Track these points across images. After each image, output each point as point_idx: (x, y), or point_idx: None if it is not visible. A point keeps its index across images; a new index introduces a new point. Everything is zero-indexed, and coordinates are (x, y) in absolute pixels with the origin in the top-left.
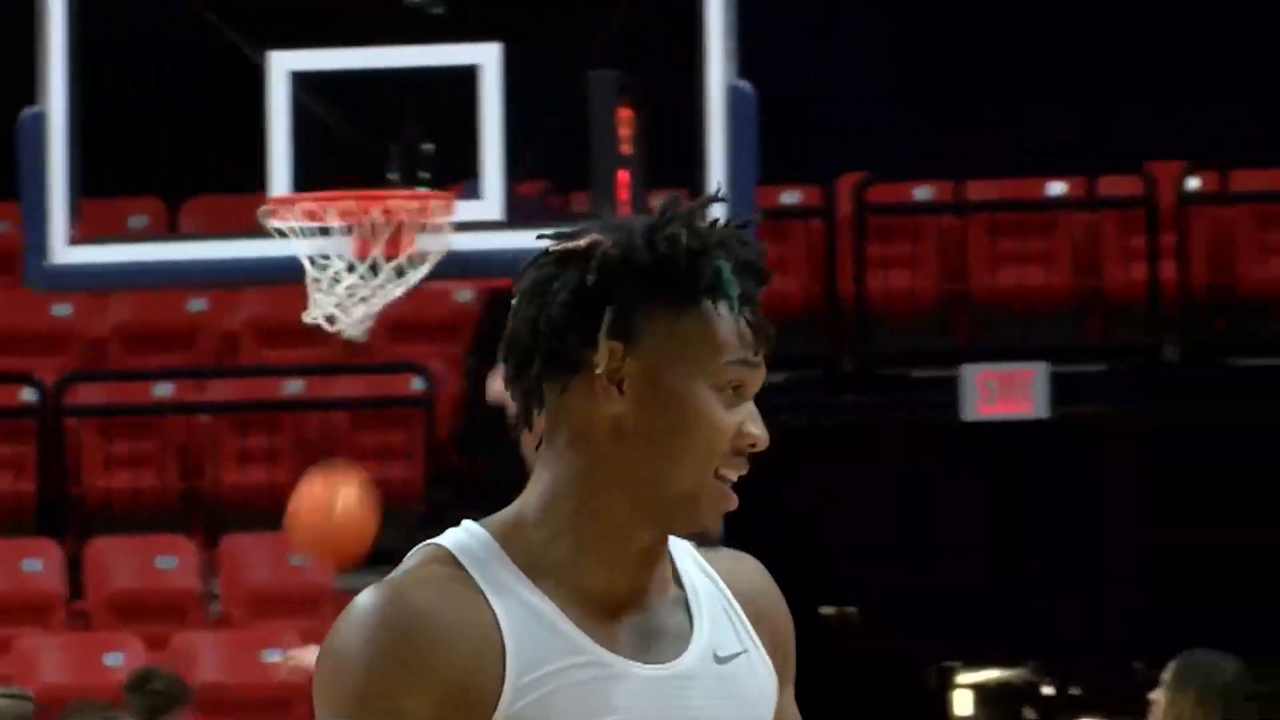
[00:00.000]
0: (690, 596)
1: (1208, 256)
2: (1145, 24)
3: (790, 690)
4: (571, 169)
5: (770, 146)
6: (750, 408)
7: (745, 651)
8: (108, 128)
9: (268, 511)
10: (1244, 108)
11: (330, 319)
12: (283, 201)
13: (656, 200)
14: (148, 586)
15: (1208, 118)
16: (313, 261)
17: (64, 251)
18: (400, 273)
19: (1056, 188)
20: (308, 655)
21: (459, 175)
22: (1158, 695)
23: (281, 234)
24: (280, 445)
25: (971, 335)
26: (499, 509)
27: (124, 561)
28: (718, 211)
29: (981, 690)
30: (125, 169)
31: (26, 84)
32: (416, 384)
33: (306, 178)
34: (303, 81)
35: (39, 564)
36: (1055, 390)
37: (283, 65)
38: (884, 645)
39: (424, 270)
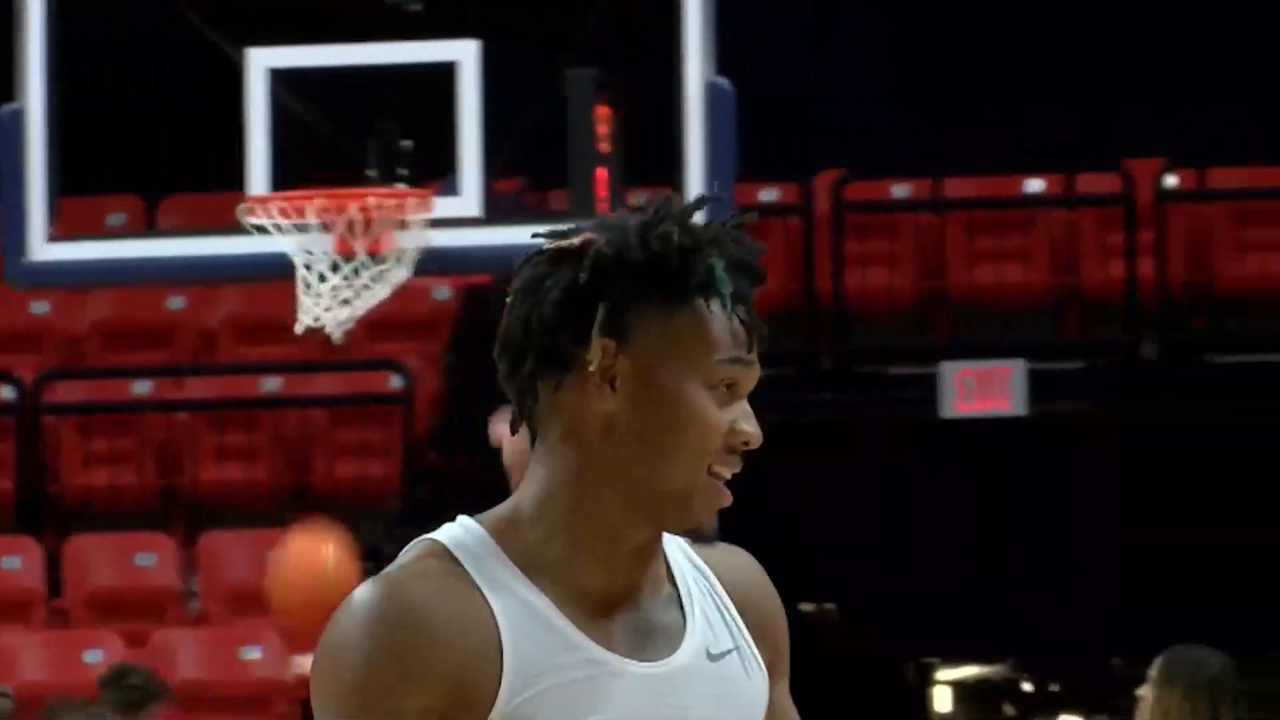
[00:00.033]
0: (683, 593)
1: (1185, 254)
2: (1123, 23)
3: (784, 684)
4: (549, 166)
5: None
6: (744, 406)
7: (737, 648)
8: (86, 126)
9: (246, 509)
10: (1221, 105)
11: (317, 320)
12: (261, 199)
13: (636, 198)
14: (127, 584)
15: (1185, 115)
16: (305, 266)
17: (43, 249)
18: (385, 272)
19: (1034, 185)
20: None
21: (437, 172)
22: (1145, 691)
23: (261, 230)
24: (259, 443)
25: (950, 333)
26: (478, 506)
27: (103, 559)
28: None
29: (961, 687)
30: (103, 167)
31: (4, 82)
32: (395, 381)
33: (285, 175)
34: (281, 79)
35: (18, 562)
36: (1033, 388)
37: (260, 62)
38: (863, 642)
39: (406, 268)
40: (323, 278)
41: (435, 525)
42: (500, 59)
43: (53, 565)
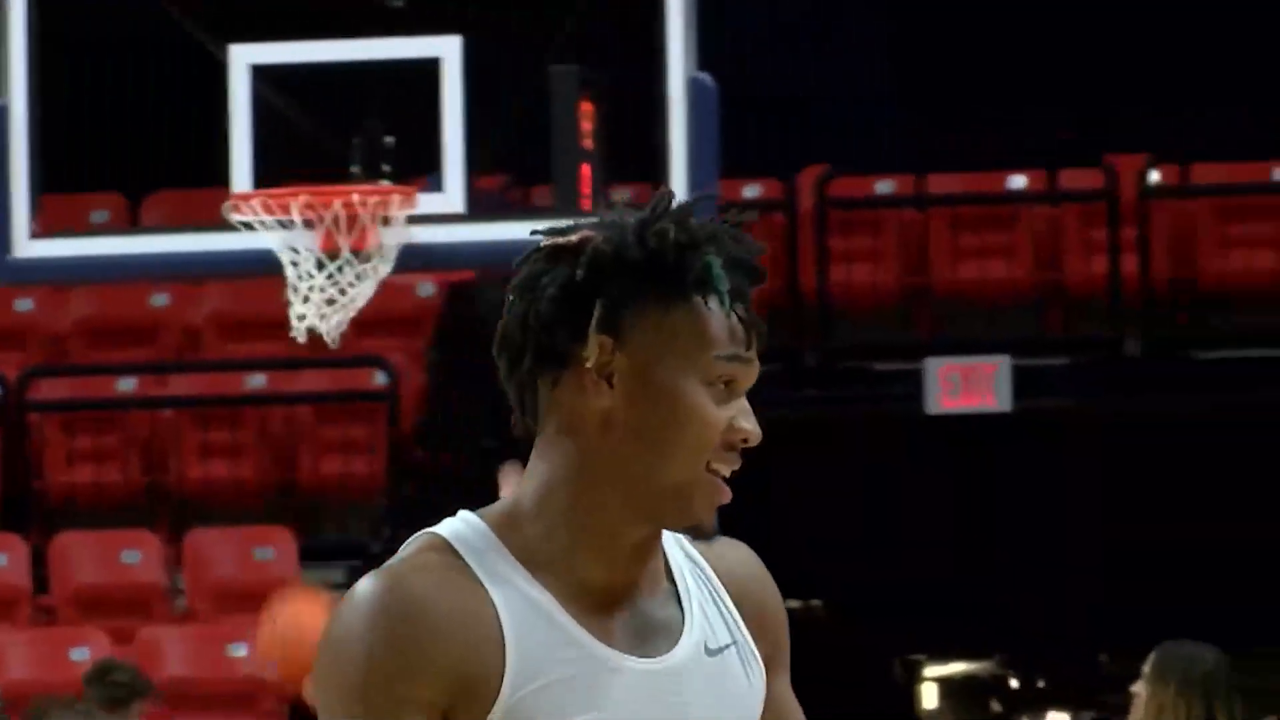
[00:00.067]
0: (681, 589)
1: (1169, 250)
2: (1107, 21)
3: (785, 677)
4: (533, 163)
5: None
6: (742, 403)
7: (735, 643)
8: (69, 122)
9: (232, 506)
10: (1205, 102)
11: (304, 320)
12: (244, 196)
13: (619, 194)
14: (113, 581)
15: (1169, 111)
16: (292, 264)
17: (26, 246)
18: (369, 269)
19: (1018, 181)
20: None
21: (420, 169)
22: (1139, 688)
23: (246, 227)
24: (244, 440)
25: (933, 329)
26: (463, 502)
27: (89, 556)
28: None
29: (947, 684)
30: (87, 163)
31: None
32: (379, 378)
33: (268, 171)
34: (263, 75)
35: (3, 559)
36: (1018, 384)
37: (243, 58)
38: (849, 639)
39: (388, 265)
40: (309, 275)
41: (421, 522)
42: (483, 55)
43: (38, 563)
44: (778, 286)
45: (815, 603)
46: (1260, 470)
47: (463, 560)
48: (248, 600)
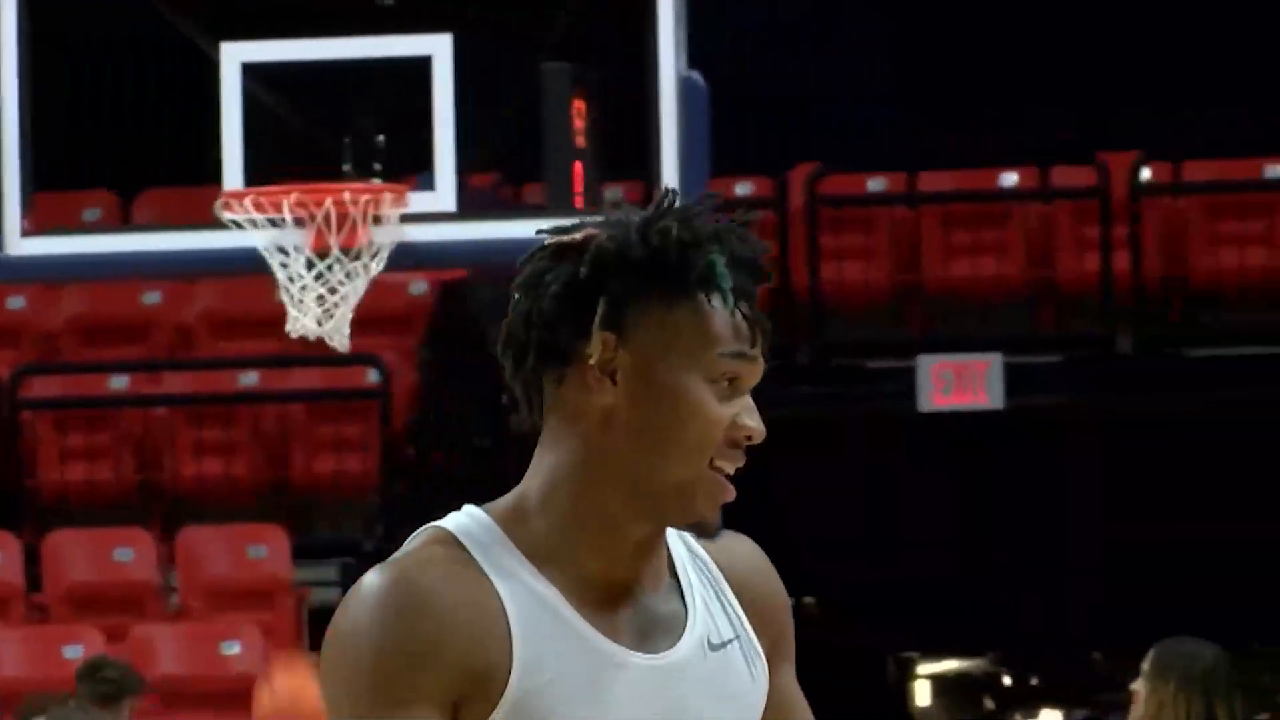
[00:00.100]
0: (684, 583)
1: (1161, 247)
2: (1099, 18)
3: (789, 670)
4: (524, 160)
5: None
6: (746, 400)
7: (737, 637)
8: (61, 120)
9: (225, 504)
10: (1196, 99)
11: (301, 320)
12: (236, 194)
13: (611, 192)
14: (106, 579)
15: (1160, 109)
16: (281, 264)
17: (18, 244)
18: (361, 267)
19: (1009, 179)
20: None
21: (412, 167)
22: (1138, 685)
23: (238, 225)
24: (237, 437)
25: (925, 326)
26: (455, 500)
27: (81, 554)
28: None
29: (940, 681)
30: (78, 161)
31: None
32: (372, 376)
33: (259, 169)
34: (255, 73)
35: None
36: (1010, 381)
37: (234, 57)
38: (845, 638)
39: (379, 263)
40: (300, 275)
41: (413, 520)
42: (475, 53)
43: (31, 561)
44: (769, 284)
45: (808, 600)
46: (1253, 468)
47: (468, 554)
48: (241, 598)
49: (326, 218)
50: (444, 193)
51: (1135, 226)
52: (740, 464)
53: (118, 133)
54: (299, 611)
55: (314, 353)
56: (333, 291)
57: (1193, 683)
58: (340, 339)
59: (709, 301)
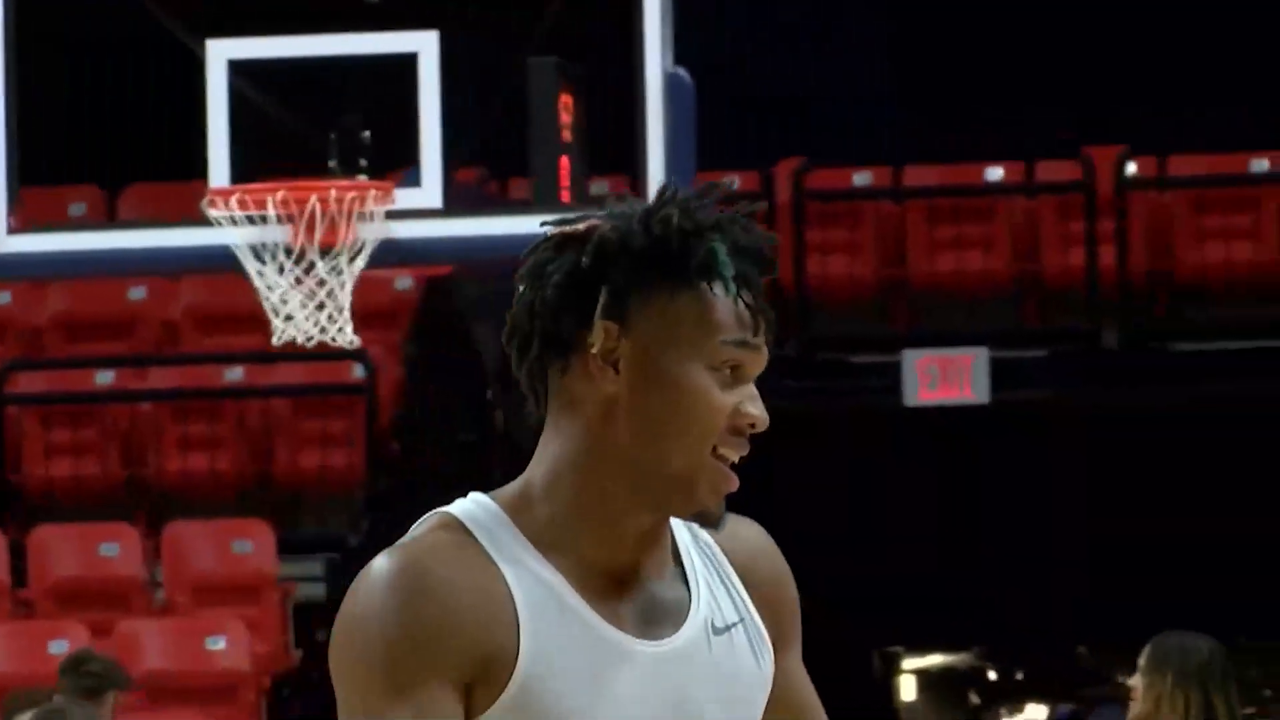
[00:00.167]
0: (687, 568)
1: (1146, 242)
2: (1082, 10)
3: (795, 653)
4: (510, 156)
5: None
6: (749, 389)
7: (742, 620)
8: (46, 117)
9: (210, 499)
10: (1181, 93)
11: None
12: (222, 192)
13: (598, 188)
14: (91, 574)
15: (1146, 103)
16: (259, 262)
17: (4, 241)
18: (349, 264)
19: (994, 173)
20: None
21: (398, 163)
22: (1135, 680)
23: (223, 223)
24: (222, 433)
25: (911, 321)
26: (440, 495)
27: (67, 549)
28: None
29: (925, 676)
30: (64, 157)
31: None
32: (357, 371)
33: (245, 166)
34: (241, 70)
35: None
36: (995, 376)
37: (220, 53)
38: (830, 633)
39: (362, 260)
40: (277, 284)
41: (398, 514)
42: (461, 49)
43: (17, 556)
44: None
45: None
46: (1238, 463)
47: (475, 540)
48: (226, 593)
49: (312, 215)
50: (430, 189)
51: (1121, 221)
52: (744, 452)
53: (103, 128)
54: (284, 606)
55: (299, 348)
56: (320, 285)
57: (1189, 676)
58: (343, 336)
59: (711, 290)
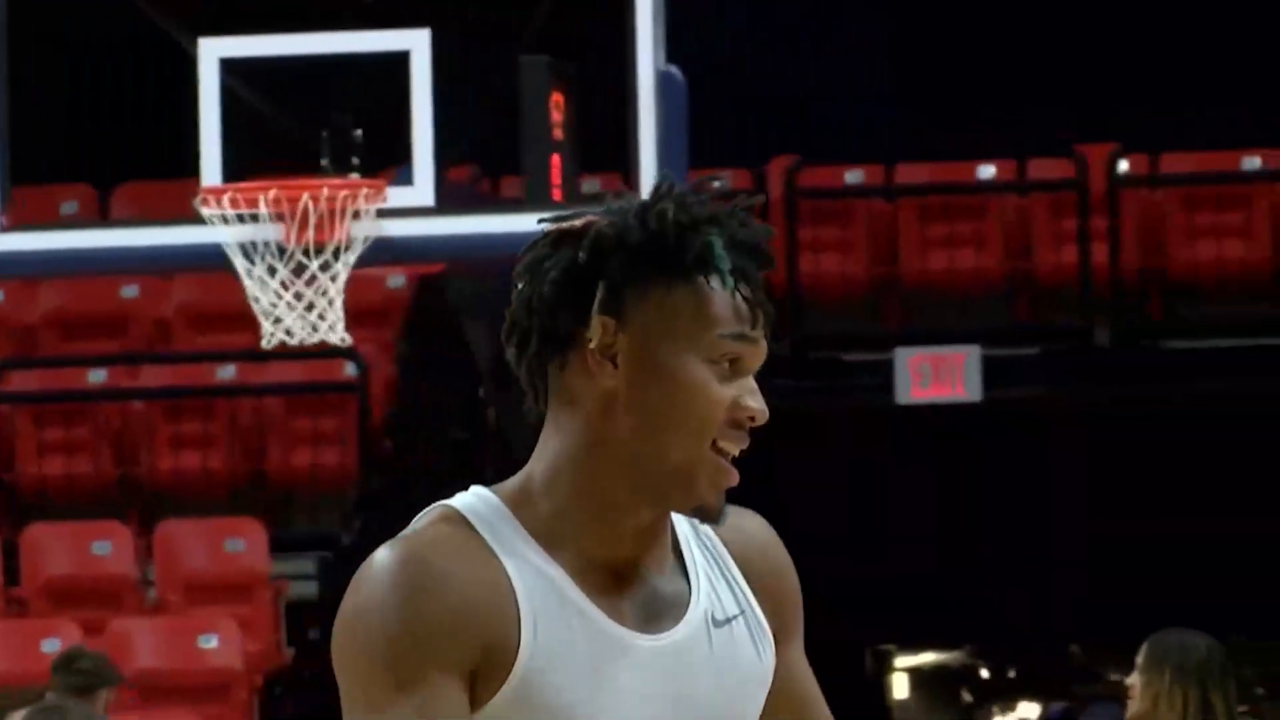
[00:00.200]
0: (688, 560)
1: (1138, 239)
2: (1074, 8)
3: (797, 645)
4: (502, 154)
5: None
6: (749, 382)
7: (742, 612)
8: (39, 115)
9: (203, 497)
10: (1173, 91)
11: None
12: (214, 190)
13: (589, 186)
14: (84, 573)
15: (1138, 101)
16: (248, 258)
17: None
18: (340, 263)
19: (986, 171)
20: None
21: (390, 161)
22: (1133, 679)
23: (223, 219)
24: (215, 431)
25: (903, 319)
26: (433, 493)
27: (60, 548)
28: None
29: (918, 674)
30: (57, 155)
31: None
32: (349, 370)
33: (238, 164)
34: (233, 68)
35: None
36: (987, 374)
37: (212, 52)
38: (827, 632)
39: (353, 258)
40: (266, 280)
41: (391, 513)
42: (453, 48)
43: (9, 554)
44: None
45: None
46: (1231, 460)
47: (476, 533)
48: (218, 592)
49: (304, 213)
50: (422, 187)
51: (1113, 219)
52: (744, 445)
53: (96, 127)
54: (276, 605)
55: (291, 347)
56: (311, 284)
57: (1188, 674)
58: (335, 335)
59: (708, 283)
